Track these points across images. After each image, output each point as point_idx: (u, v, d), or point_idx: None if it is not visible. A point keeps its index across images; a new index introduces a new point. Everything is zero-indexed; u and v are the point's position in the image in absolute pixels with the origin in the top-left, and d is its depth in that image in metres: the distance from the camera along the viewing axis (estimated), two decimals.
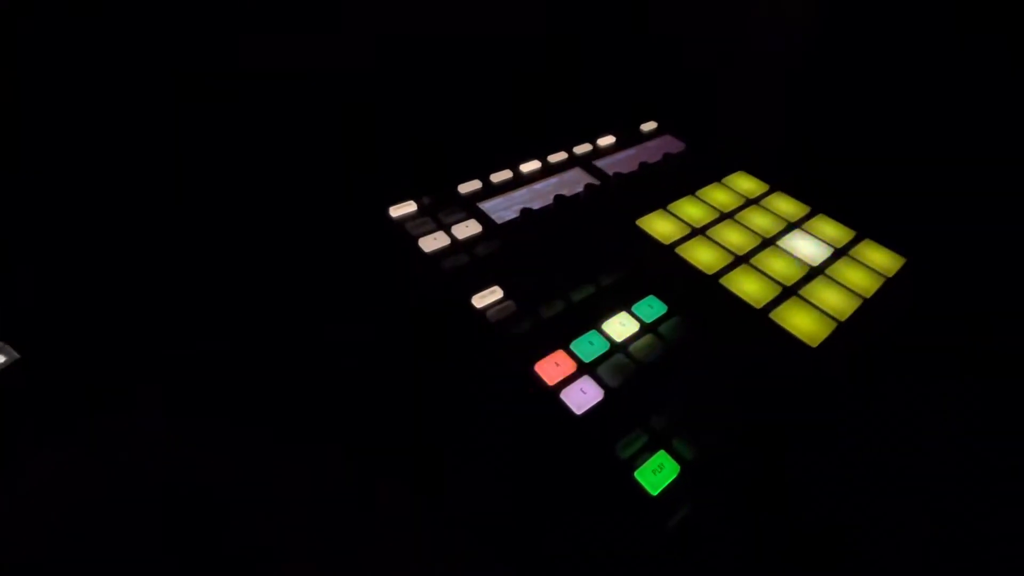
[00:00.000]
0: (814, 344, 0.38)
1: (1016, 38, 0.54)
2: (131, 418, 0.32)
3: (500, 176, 0.51)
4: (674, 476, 0.29)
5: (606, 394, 0.33)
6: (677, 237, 0.47)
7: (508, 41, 0.69)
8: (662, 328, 0.38)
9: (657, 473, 0.29)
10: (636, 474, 0.29)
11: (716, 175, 0.56)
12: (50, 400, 0.32)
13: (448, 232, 0.44)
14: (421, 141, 0.56)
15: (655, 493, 0.28)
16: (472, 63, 0.67)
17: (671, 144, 0.60)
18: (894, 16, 0.62)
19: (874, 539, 0.29)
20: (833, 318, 0.41)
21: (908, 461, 0.33)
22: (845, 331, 0.40)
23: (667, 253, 0.45)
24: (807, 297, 0.42)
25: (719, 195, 0.53)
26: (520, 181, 0.52)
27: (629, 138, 0.60)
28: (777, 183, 0.55)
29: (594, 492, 0.29)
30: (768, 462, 0.31)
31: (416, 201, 0.47)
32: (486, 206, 0.48)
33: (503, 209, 0.48)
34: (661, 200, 0.51)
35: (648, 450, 0.30)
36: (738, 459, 0.31)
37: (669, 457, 0.30)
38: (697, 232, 0.48)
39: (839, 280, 0.44)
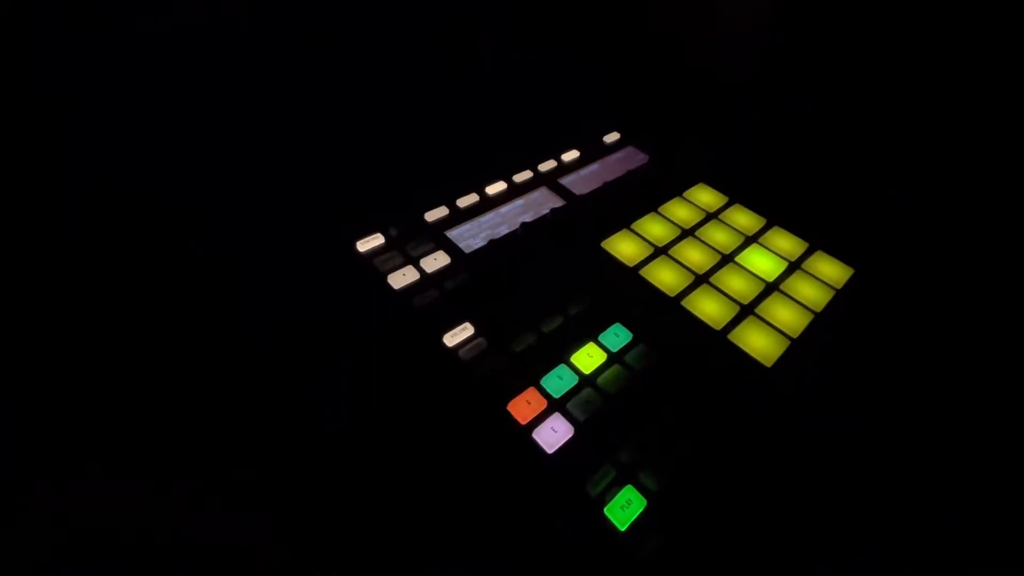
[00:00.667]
0: (769, 364, 0.41)
1: (961, 54, 0.57)
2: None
3: (466, 200, 0.52)
4: (641, 509, 0.31)
5: (576, 430, 0.35)
6: (641, 258, 0.48)
7: (467, 56, 0.68)
8: (628, 357, 0.40)
9: (625, 508, 0.31)
10: (605, 510, 0.31)
11: (678, 189, 0.57)
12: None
13: (417, 266, 0.45)
14: (384, 167, 0.55)
15: (623, 528, 0.30)
16: (431, 79, 0.67)
17: (634, 156, 0.61)
18: (851, 30, 0.63)
19: (840, 559, 0.32)
20: (787, 335, 0.43)
21: (867, 480, 0.35)
22: (798, 348, 0.42)
23: (631, 276, 0.47)
24: (763, 315, 0.45)
25: (680, 211, 0.54)
26: (487, 205, 0.52)
27: (593, 151, 0.61)
28: (736, 195, 0.57)
29: (566, 530, 0.31)
30: (729, 488, 0.33)
31: (383, 233, 0.47)
32: (453, 234, 0.48)
33: (470, 237, 0.48)
34: (625, 219, 0.52)
35: (616, 485, 0.32)
36: (701, 487, 0.33)
37: (636, 492, 0.32)
38: (660, 252, 0.49)
39: (792, 295, 0.47)
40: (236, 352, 0.38)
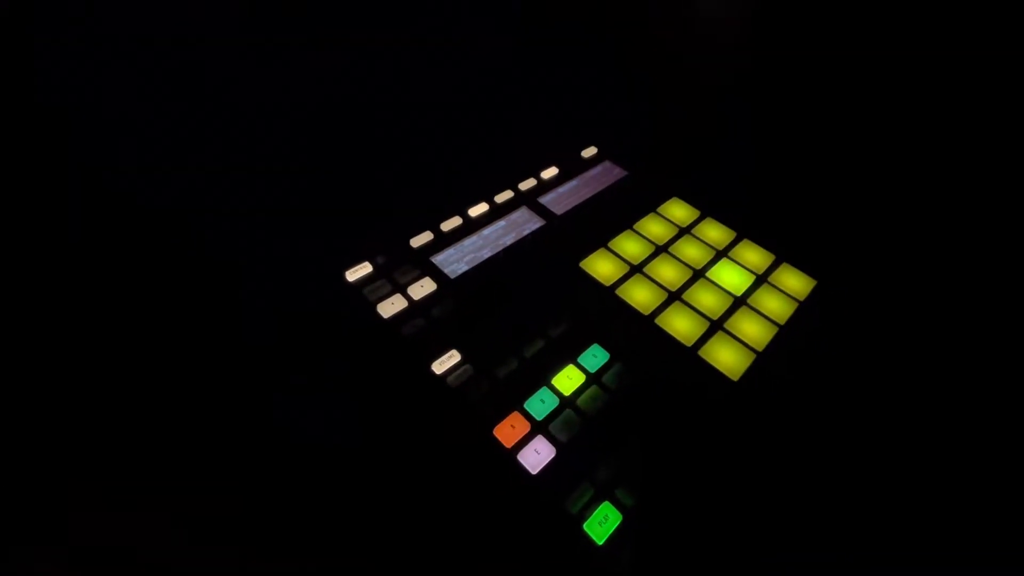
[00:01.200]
0: (735, 378, 0.44)
1: (912, 71, 0.60)
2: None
3: (450, 224, 0.54)
4: (617, 524, 0.34)
5: (557, 451, 0.38)
6: (617, 277, 0.51)
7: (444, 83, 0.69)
8: (605, 377, 0.43)
9: (603, 524, 0.34)
10: (584, 526, 0.34)
11: (652, 204, 0.60)
12: None
13: (404, 294, 0.47)
14: (369, 194, 0.57)
15: (601, 542, 0.34)
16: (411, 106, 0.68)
17: (610, 171, 0.64)
18: (817, 46, 0.66)
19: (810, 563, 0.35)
20: (752, 349, 0.46)
21: (834, 485, 0.39)
22: (763, 361, 0.46)
23: (608, 295, 0.50)
24: (730, 330, 0.48)
25: (654, 227, 0.57)
26: (470, 227, 0.54)
27: (571, 167, 0.63)
28: (707, 208, 0.60)
29: (548, 545, 0.34)
30: (698, 501, 0.36)
31: (371, 262, 0.49)
32: (438, 259, 0.51)
33: (455, 262, 0.50)
34: (602, 237, 0.55)
35: (595, 501, 0.35)
36: (672, 501, 0.36)
37: (612, 507, 0.35)
38: (635, 270, 0.52)
39: (758, 309, 0.50)
40: (233, 379, 0.41)
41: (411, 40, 0.80)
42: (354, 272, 0.48)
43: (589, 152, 0.66)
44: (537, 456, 0.37)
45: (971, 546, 0.36)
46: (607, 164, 0.65)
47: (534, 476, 0.36)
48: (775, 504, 0.37)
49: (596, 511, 0.35)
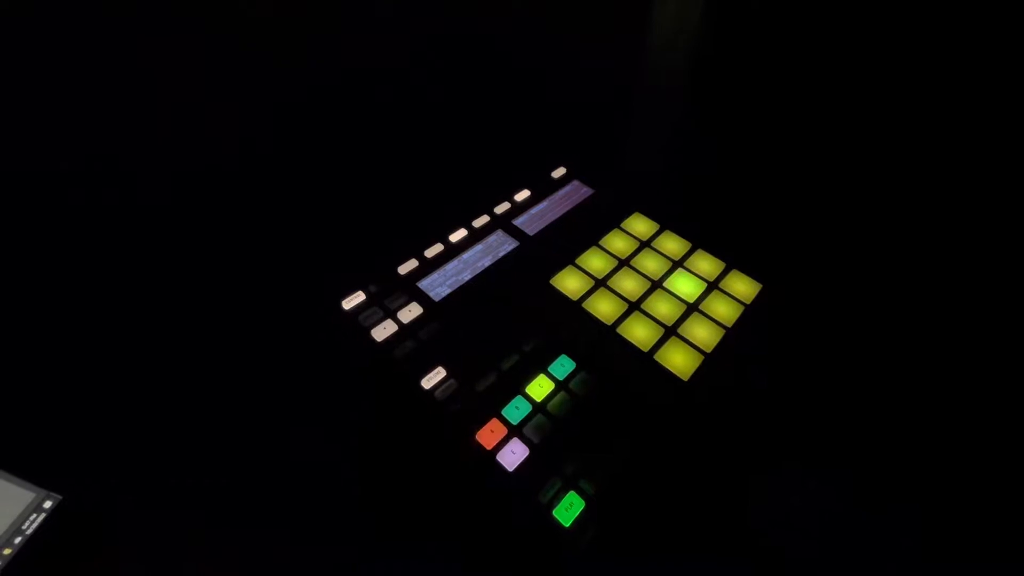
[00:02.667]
0: (685, 378, 0.51)
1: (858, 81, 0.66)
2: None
3: (433, 250, 0.60)
4: (581, 509, 0.41)
5: (530, 451, 0.44)
6: (583, 292, 0.58)
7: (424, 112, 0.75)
8: (572, 384, 0.49)
9: (569, 509, 0.41)
10: (554, 512, 0.41)
11: (616, 219, 0.66)
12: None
13: (395, 319, 0.53)
14: (358, 227, 0.63)
15: (568, 525, 0.40)
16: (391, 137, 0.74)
17: (578, 190, 0.70)
18: (765, 59, 0.72)
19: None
20: (701, 351, 0.53)
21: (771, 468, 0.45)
22: (711, 361, 0.52)
23: (575, 309, 0.56)
24: (683, 335, 0.54)
25: (617, 242, 0.63)
26: (451, 252, 0.60)
27: (542, 188, 0.69)
28: (666, 221, 0.66)
29: (523, 529, 0.41)
30: (651, 487, 0.43)
31: (363, 291, 0.55)
32: (424, 284, 0.57)
33: (439, 286, 0.57)
34: (570, 255, 0.61)
35: (562, 492, 0.42)
36: (628, 489, 0.43)
37: (577, 496, 0.42)
38: (599, 284, 0.59)
39: (708, 313, 0.56)
40: (240, 401, 0.47)
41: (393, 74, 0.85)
42: (349, 301, 0.54)
43: (558, 173, 0.72)
44: (513, 456, 0.44)
45: (909, 532, 0.43)
46: (575, 184, 0.71)
47: (511, 473, 0.43)
48: (719, 488, 0.44)
49: (563, 499, 0.41)
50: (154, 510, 0.41)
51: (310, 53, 0.85)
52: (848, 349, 0.54)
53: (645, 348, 0.53)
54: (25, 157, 0.68)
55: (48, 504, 0.39)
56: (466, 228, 0.63)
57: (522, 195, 0.68)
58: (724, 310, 0.57)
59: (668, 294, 0.58)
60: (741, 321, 0.56)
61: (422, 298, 0.55)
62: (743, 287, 0.59)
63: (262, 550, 0.40)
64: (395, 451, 0.46)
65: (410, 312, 0.54)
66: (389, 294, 0.56)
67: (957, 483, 0.45)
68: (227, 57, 0.88)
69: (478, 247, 0.61)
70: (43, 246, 0.60)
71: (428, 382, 0.48)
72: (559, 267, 0.60)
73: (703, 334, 0.54)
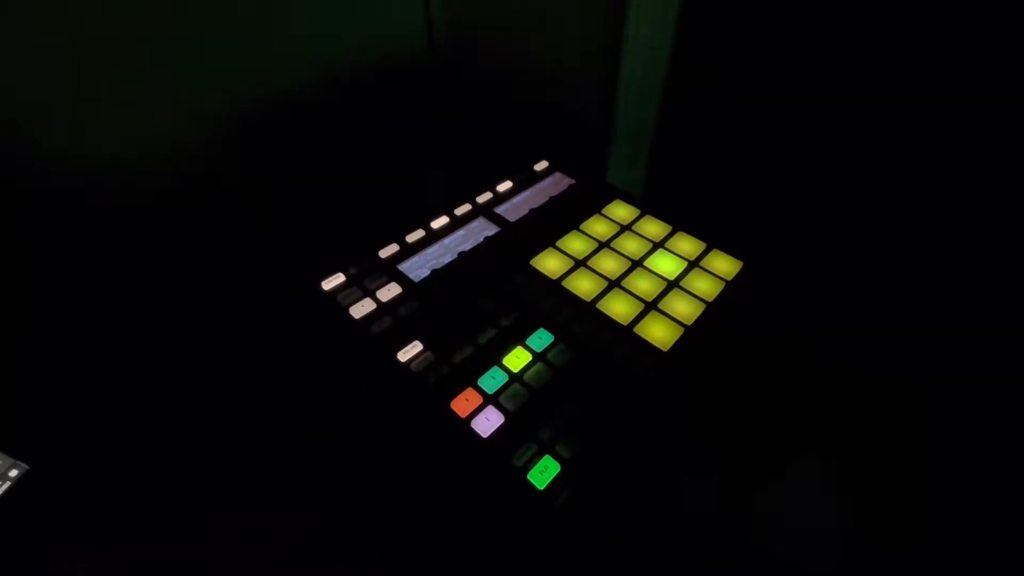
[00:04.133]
0: (665, 348, 0.50)
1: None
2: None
3: (414, 236, 0.61)
4: (556, 472, 0.40)
5: (506, 418, 0.43)
6: (563, 271, 0.58)
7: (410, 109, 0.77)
8: (550, 355, 0.49)
9: (543, 473, 0.40)
10: (528, 476, 0.40)
11: (597, 206, 0.67)
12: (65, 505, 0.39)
13: (373, 297, 0.53)
14: (342, 214, 0.65)
15: (542, 487, 0.39)
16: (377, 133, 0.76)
17: (560, 182, 0.71)
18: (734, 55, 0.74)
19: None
20: (682, 324, 0.52)
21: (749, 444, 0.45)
22: (691, 333, 0.52)
23: (555, 287, 0.56)
24: (663, 309, 0.54)
25: (598, 226, 0.64)
26: (432, 238, 0.61)
27: (525, 180, 0.71)
28: (646, 207, 0.67)
29: (499, 493, 0.40)
30: (623, 453, 0.42)
31: (344, 273, 0.56)
32: (404, 267, 0.57)
33: (419, 268, 0.57)
34: (551, 237, 0.62)
35: (537, 456, 0.41)
36: (603, 453, 0.42)
37: (552, 460, 0.41)
38: (579, 264, 0.59)
39: (689, 289, 0.56)
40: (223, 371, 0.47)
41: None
42: (329, 282, 0.55)
43: (541, 165, 0.73)
44: (488, 423, 0.43)
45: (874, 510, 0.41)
46: (557, 175, 0.72)
47: (485, 440, 0.42)
48: (695, 454, 0.43)
49: (539, 463, 0.40)
50: (122, 478, 0.40)
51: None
52: (827, 322, 0.54)
53: (624, 322, 0.52)
54: None
55: (14, 473, 0.39)
56: (448, 216, 0.64)
57: (504, 186, 0.69)
58: (705, 286, 0.57)
59: (648, 272, 0.58)
60: (723, 296, 0.56)
61: (402, 279, 0.56)
62: (724, 265, 0.59)
63: (233, 517, 0.39)
64: (372, 424, 0.45)
65: (389, 291, 0.54)
66: (369, 275, 0.56)
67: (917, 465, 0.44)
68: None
69: (460, 232, 0.62)
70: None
71: (404, 355, 0.48)
72: (540, 249, 0.60)
73: (684, 308, 0.54)
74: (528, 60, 0.85)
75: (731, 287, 0.57)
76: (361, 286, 0.55)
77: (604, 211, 0.66)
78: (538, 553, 0.39)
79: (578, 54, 0.81)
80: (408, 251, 0.59)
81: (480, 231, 0.62)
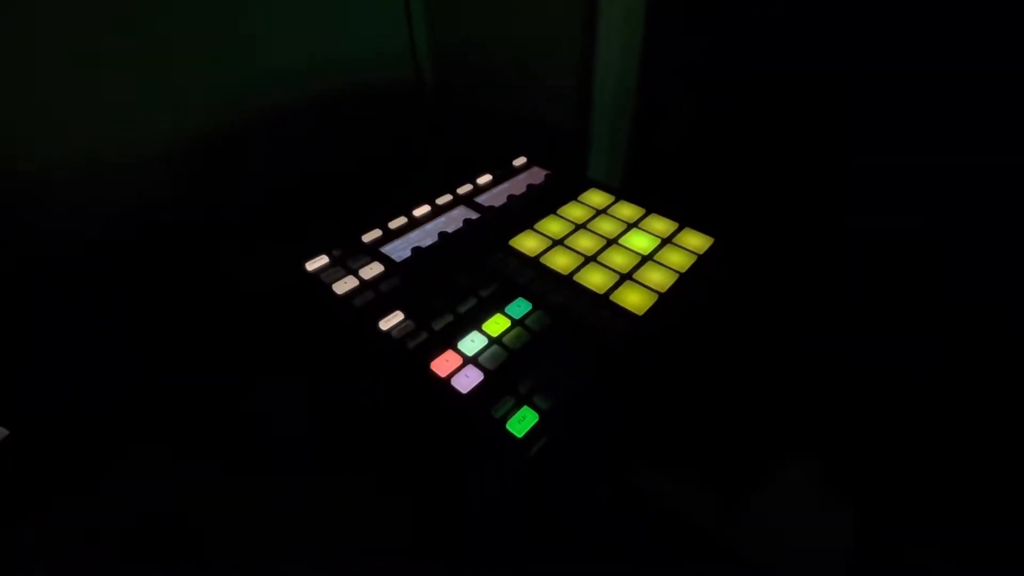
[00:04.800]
0: (640, 313, 0.52)
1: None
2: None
3: (396, 222, 0.63)
4: (534, 422, 0.41)
5: (485, 376, 0.44)
6: (541, 249, 0.60)
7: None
8: (528, 321, 0.50)
9: (521, 422, 0.41)
10: (507, 425, 0.40)
11: (573, 194, 0.69)
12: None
13: (356, 275, 0.55)
14: (325, 206, 0.67)
15: (520, 436, 0.40)
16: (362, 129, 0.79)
17: (538, 174, 0.74)
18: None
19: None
20: (656, 291, 0.54)
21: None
22: (665, 300, 0.53)
23: (533, 263, 0.58)
24: (639, 279, 0.56)
25: (575, 211, 0.66)
26: (413, 224, 0.63)
27: (504, 174, 0.73)
28: (621, 193, 0.70)
29: (479, 442, 0.40)
30: (598, 404, 0.43)
31: (327, 255, 0.57)
32: (386, 249, 0.59)
33: (401, 250, 0.59)
34: (529, 221, 0.64)
35: (515, 408, 0.42)
36: (580, 404, 0.43)
37: (530, 410, 0.41)
38: (557, 243, 0.61)
39: (663, 262, 0.58)
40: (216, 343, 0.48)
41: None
42: (313, 263, 0.56)
43: (519, 161, 0.76)
44: (467, 379, 0.44)
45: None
46: (535, 169, 0.75)
47: (465, 395, 0.43)
48: (665, 408, 0.44)
49: (517, 413, 0.41)
50: (103, 446, 0.40)
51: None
52: (794, 294, 0.56)
53: (601, 291, 0.54)
54: None
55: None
56: (430, 205, 0.66)
57: (484, 179, 0.72)
58: (678, 259, 0.59)
59: (624, 248, 0.60)
60: (695, 267, 0.58)
61: (384, 259, 0.57)
62: (696, 241, 0.61)
63: (212, 483, 0.39)
64: (356, 390, 0.46)
65: (371, 270, 0.55)
66: (352, 256, 0.57)
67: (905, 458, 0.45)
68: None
69: (441, 219, 0.64)
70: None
71: (386, 324, 0.49)
72: (518, 231, 0.62)
73: (658, 278, 0.56)
74: (508, 75, 0.89)
75: (703, 260, 0.59)
76: (344, 266, 0.56)
77: (580, 198, 0.69)
78: (518, 504, 0.39)
79: (555, 67, 0.85)
80: (390, 236, 0.61)
81: (461, 217, 0.64)
